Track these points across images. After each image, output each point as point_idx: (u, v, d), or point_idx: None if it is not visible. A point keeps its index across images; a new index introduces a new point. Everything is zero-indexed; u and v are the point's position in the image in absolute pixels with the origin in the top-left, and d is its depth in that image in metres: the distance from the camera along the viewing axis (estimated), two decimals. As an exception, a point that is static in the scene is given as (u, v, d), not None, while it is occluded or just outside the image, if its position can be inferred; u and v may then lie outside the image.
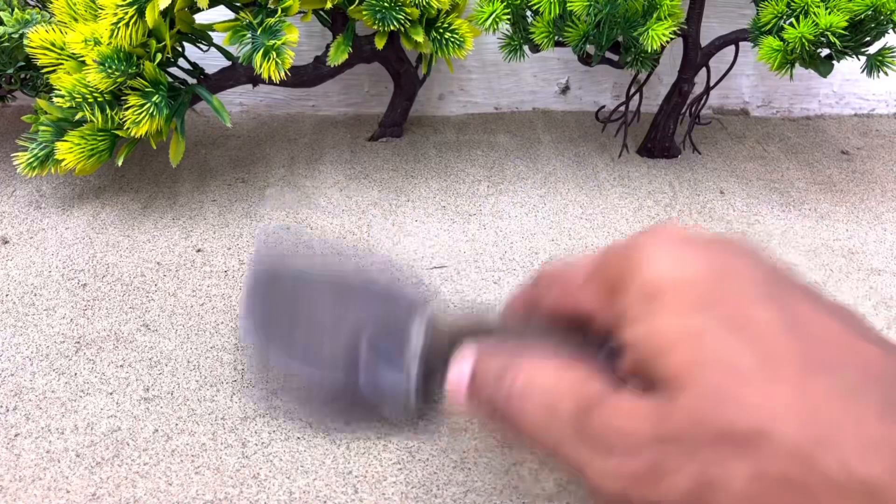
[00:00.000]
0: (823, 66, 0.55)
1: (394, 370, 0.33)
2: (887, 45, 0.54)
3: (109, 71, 0.50)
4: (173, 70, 0.58)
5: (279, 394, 0.40)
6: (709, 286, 0.21)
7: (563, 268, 0.27)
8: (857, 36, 0.53)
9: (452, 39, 0.58)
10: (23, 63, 0.57)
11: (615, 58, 0.60)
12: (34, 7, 0.59)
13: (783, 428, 0.18)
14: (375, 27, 0.56)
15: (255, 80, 0.60)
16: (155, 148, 0.58)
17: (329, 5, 0.55)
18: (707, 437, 0.18)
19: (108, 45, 0.50)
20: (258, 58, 0.51)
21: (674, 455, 0.19)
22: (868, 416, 0.18)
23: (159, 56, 0.52)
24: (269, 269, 0.41)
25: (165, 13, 0.51)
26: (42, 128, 0.55)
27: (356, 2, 0.56)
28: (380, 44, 0.59)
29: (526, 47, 0.59)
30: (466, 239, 0.56)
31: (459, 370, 0.26)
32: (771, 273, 0.22)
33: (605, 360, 0.23)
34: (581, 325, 0.25)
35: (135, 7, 0.49)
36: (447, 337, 0.31)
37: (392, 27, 0.56)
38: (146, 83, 0.52)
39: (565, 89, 0.77)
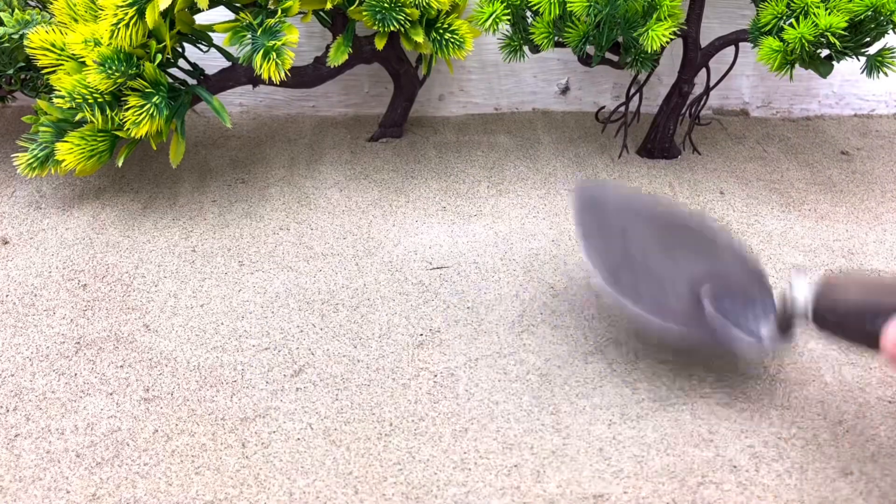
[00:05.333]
0: (823, 67, 0.55)
1: (743, 332, 0.37)
2: (887, 46, 0.54)
3: (110, 72, 0.50)
4: (173, 71, 0.58)
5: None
6: None
7: None
8: (856, 36, 0.53)
9: (452, 40, 0.58)
10: (23, 64, 0.57)
11: (615, 58, 0.60)
12: (34, 8, 0.59)
13: None
14: (375, 28, 0.56)
15: (256, 80, 0.60)
16: (155, 149, 0.58)
17: (329, 6, 0.55)
18: None
19: (108, 45, 0.50)
20: (258, 58, 0.51)
21: None
22: None
23: (159, 57, 0.52)
24: (593, 196, 0.45)
25: (165, 14, 0.51)
26: (42, 128, 0.55)
27: (356, 2, 0.56)
28: (380, 44, 0.59)
29: (526, 48, 0.59)
30: (466, 240, 0.56)
31: None
32: None
33: None
34: None
35: (135, 8, 0.49)
36: (860, 299, 0.34)
37: (392, 28, 0.56)
38: (146, 84, 0.52)
39: (565, 90, 0.77)
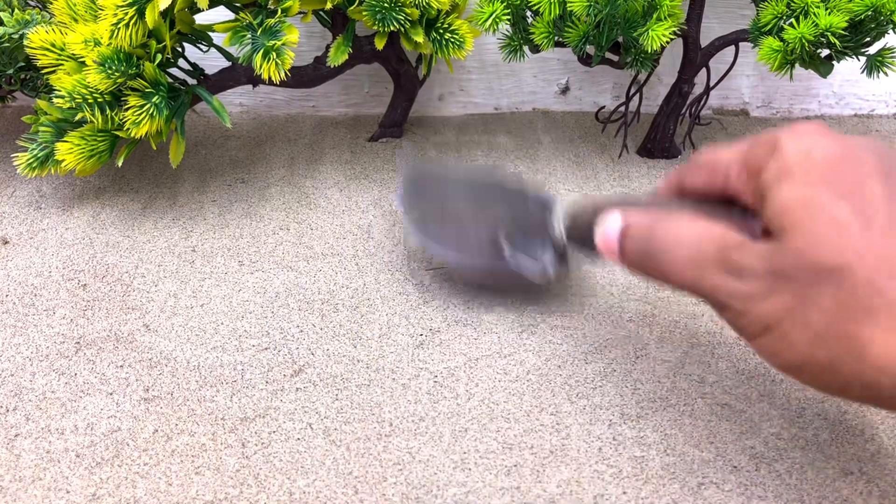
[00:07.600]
0: (823, 67, 0.55)
1: (530, 260, 0.42)
2: (887, 46, 0.54)
3: (109, 72, 0.50)
4: (173, 70, 0.58)
5: (434, 271, 0.50)
6: (831, 165, 0.26)
7: (713, 154, 0.32)
8: (856, 36, 0.53)
9: (452, 40, 0.58)
10: (23, 64, 0.57)
11: (615, 58, 0.60)
12: (34, 7, 0.59)
13: (863, 264, 0.24)
14: (375, 27, 0.56)
15: (256, 80, 0.60)
16: (155, 149, 0.58)
17: (329, 6, 0.55)
18: (806, 269, 0.25)
19: (108, 45, 0.50)
20: (258, 58, 0.51)
21: (781, 281, 0.26)
22: None
23: (159, 57, 0.52)
24: (416, 175, 0.53)
25: (165, 14, 0.51)
26: (42, 128, 0.55)
27: (356, 2, 0.56)
28: (380, 44, 0.59)
29: (526, 48, 0.59)
30: (466, 239, 0.56)
31: (608, 228, 0.32)
32: (890, 162, 0.27)
33: (739, 221, 0.30)
34: (724, 201, 0.31)
35: (135, 8, 0.49)
36: (592, 210, 0.36)
37: (392, 28, 0.56)
38: (146, 84, 0.52)
39: (565, 90, 0.77)
